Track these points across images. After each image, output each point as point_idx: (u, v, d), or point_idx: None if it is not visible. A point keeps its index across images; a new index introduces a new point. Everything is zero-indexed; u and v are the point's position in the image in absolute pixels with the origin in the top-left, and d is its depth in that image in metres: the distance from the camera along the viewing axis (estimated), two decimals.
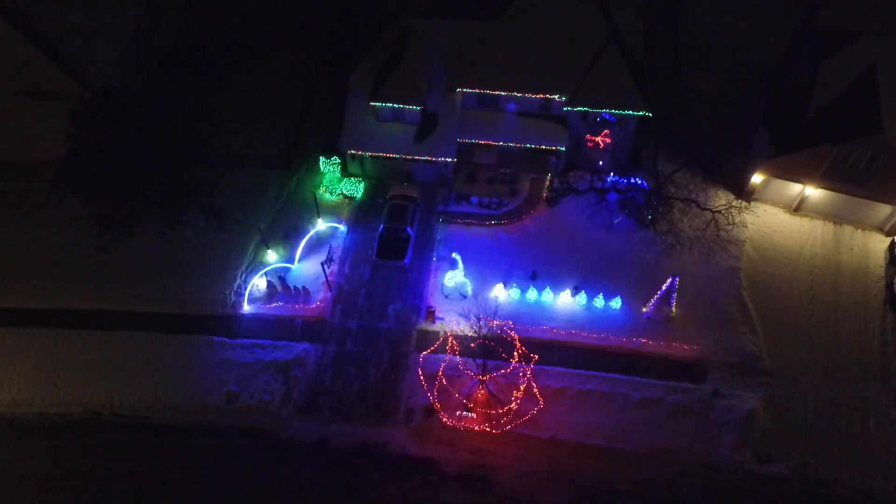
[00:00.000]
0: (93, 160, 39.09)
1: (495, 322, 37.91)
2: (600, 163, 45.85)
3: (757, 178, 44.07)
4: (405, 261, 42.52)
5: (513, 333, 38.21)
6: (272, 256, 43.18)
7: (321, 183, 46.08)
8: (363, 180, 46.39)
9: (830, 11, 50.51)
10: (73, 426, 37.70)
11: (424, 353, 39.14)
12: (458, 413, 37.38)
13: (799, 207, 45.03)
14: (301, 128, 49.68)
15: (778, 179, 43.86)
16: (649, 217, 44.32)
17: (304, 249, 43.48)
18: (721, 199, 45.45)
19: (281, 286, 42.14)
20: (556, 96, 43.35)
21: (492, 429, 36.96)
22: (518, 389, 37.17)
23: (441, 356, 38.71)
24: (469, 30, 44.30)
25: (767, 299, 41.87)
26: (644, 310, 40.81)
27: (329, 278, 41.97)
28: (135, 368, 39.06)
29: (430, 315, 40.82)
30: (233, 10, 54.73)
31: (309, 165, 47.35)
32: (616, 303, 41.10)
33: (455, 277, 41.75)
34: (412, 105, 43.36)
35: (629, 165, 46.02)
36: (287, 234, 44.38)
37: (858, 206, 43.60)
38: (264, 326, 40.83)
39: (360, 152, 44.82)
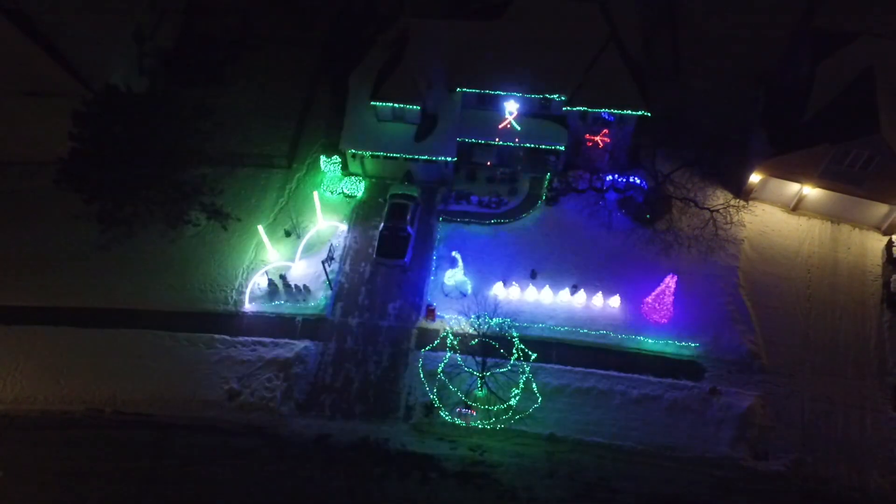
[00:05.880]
0: (95, 159, 39.33)
1: (495, 320, 38.07)
2: (599, 162, 46.07)
3: (755, 178, 44.27)
4: (405, 259, 42.79)
5: (512, 331, 38.44)
6: (273, 255, 43.43)
7: (322, 182, 46.28)
8: (364, 179, 46.60)
9: (829, 12, 50.78)
10: (76, 423, 37.95)
11: (424, 350, 39.41)
12: (458, 410, 37.65)
13: (797, 207, 45.24)
14: (301, 127, 49.95)
15: (776, 179, 44.03)
16: (648, 216, 44.58)
17: (304, 248, 43.74)
18: (719, 198, 45.65)
19: (282, 284, 42.40)
20: (555, 96, 43.58)
21: (491, 426, 37.24)
22: (517, 387, 37.43)
23: (441, 354, 38.96)
24: (469, 30, 44.42)
25: (765, 298, 42.08)
26: (643, 308, 41.10)
27: (329, 276, 42.21)
28: (137, 366, 39.29)
29: (430, 313, 41.05)
30: (233, 10, 54.94)
31: (310, 164, 47.60)
32: (614, 301, 41.34)
33: (455, 276, 41.99)
34: (412, 105, 43.59)
35: (628, 165, 46.25)
36: (288, 232, 44.64)
37: (856, 206, 43.77)
38: (265, 324, 41.11)
39: (360, 152, 45.06)
